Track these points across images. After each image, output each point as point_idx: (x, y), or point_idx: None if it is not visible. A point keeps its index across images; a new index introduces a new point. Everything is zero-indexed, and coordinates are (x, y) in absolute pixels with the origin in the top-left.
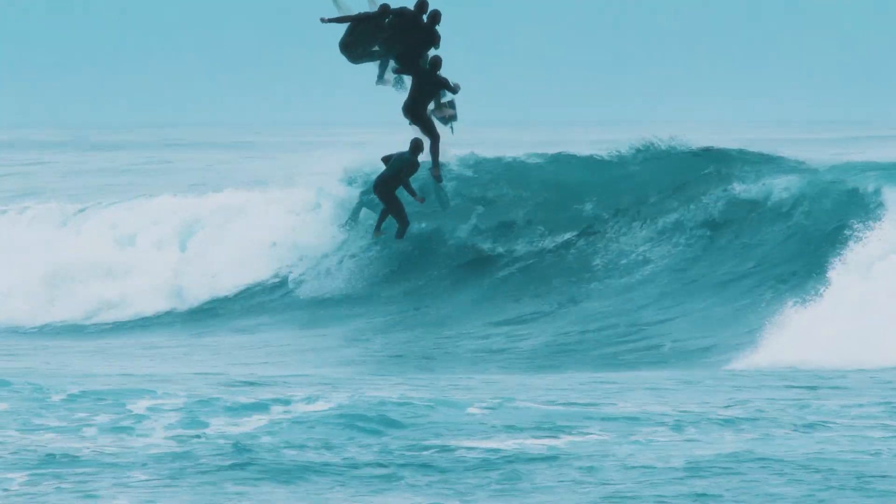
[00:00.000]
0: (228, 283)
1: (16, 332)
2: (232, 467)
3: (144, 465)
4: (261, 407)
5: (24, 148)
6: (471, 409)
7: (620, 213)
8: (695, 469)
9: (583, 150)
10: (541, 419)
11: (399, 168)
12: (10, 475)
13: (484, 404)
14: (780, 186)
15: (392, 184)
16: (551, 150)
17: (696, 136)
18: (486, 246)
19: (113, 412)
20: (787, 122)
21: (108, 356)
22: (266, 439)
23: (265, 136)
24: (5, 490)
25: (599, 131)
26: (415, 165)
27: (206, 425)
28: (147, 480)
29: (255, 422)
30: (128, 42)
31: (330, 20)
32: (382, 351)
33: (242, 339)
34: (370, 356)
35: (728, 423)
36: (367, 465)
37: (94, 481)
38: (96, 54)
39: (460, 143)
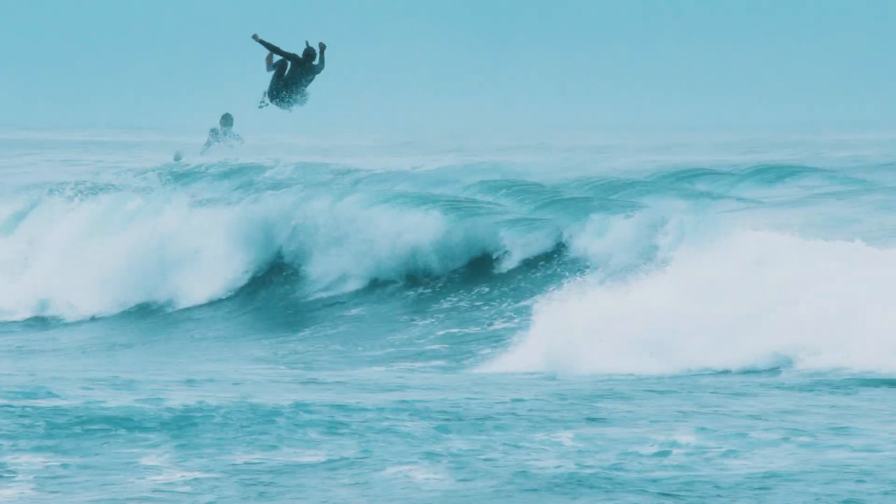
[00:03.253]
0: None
1: None
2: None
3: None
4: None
5: None
6: (469, 408)
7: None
8: (699, 465)
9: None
10: (541, 418)
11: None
12: None
13: (482, 404)
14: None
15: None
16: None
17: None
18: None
19: None
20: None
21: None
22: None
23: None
24: None
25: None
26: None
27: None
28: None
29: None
30: None
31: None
32: (378, 350)
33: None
34: (367, 355)
35: (731, 421)
36: (363, 464)
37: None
38: None
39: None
